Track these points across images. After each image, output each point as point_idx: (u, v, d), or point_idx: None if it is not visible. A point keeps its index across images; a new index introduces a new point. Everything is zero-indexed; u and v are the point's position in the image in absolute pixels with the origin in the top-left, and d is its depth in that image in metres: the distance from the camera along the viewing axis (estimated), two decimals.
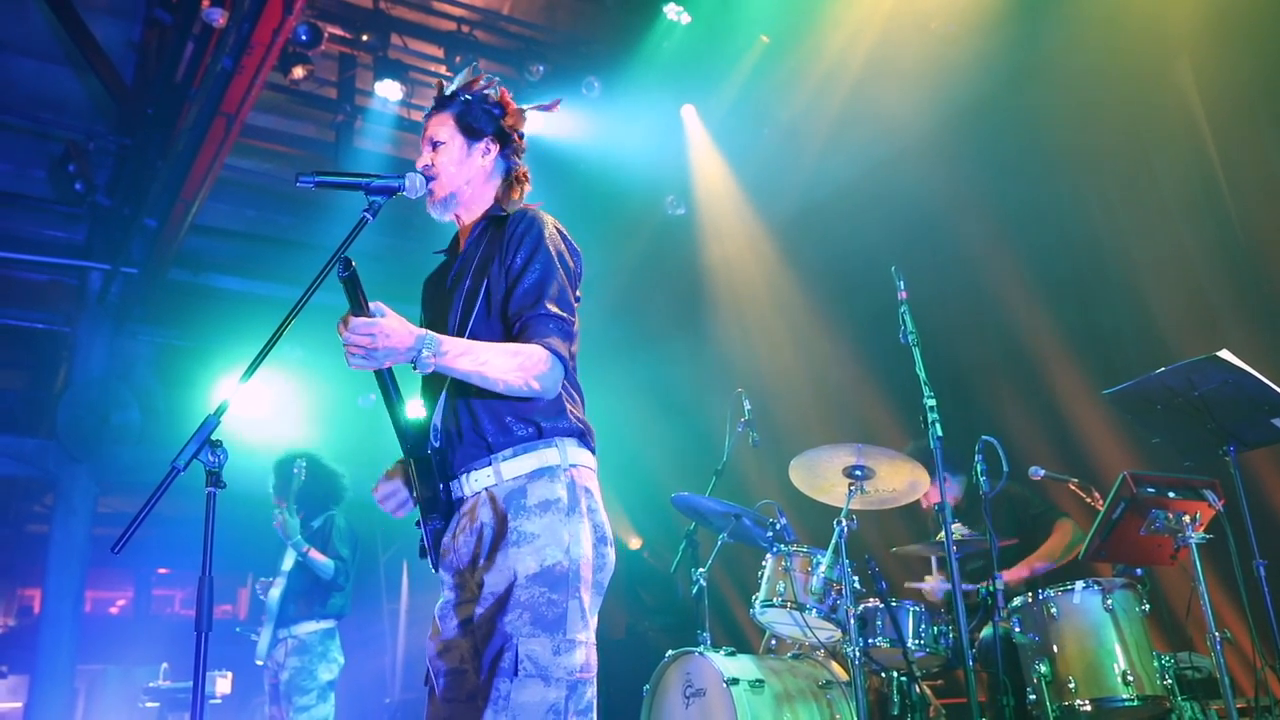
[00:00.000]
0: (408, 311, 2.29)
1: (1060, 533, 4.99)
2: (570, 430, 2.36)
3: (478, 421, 2.33)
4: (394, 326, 2.10)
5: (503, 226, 2.48)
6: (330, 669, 5.47)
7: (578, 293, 2.48)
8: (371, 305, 2.11)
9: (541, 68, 7.46)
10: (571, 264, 2.46)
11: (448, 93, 2.61)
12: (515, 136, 2.63)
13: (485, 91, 2.60)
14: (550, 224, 2.47)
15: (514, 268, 2.37)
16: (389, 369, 2.26)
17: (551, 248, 2.40)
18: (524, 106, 2.66)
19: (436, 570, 2.40)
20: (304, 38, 6.82)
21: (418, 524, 2.40)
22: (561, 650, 2.17)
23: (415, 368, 2.16)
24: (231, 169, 8.03)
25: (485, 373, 2.21)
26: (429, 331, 2.17)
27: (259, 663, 5.55)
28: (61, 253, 9.08)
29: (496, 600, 2.20)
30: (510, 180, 2.62)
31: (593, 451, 2.44)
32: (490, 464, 2.31)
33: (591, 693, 2.21)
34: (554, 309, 2.32)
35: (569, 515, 2.28)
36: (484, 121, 2.57)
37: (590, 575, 2.29)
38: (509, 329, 2.34)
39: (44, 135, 8.27)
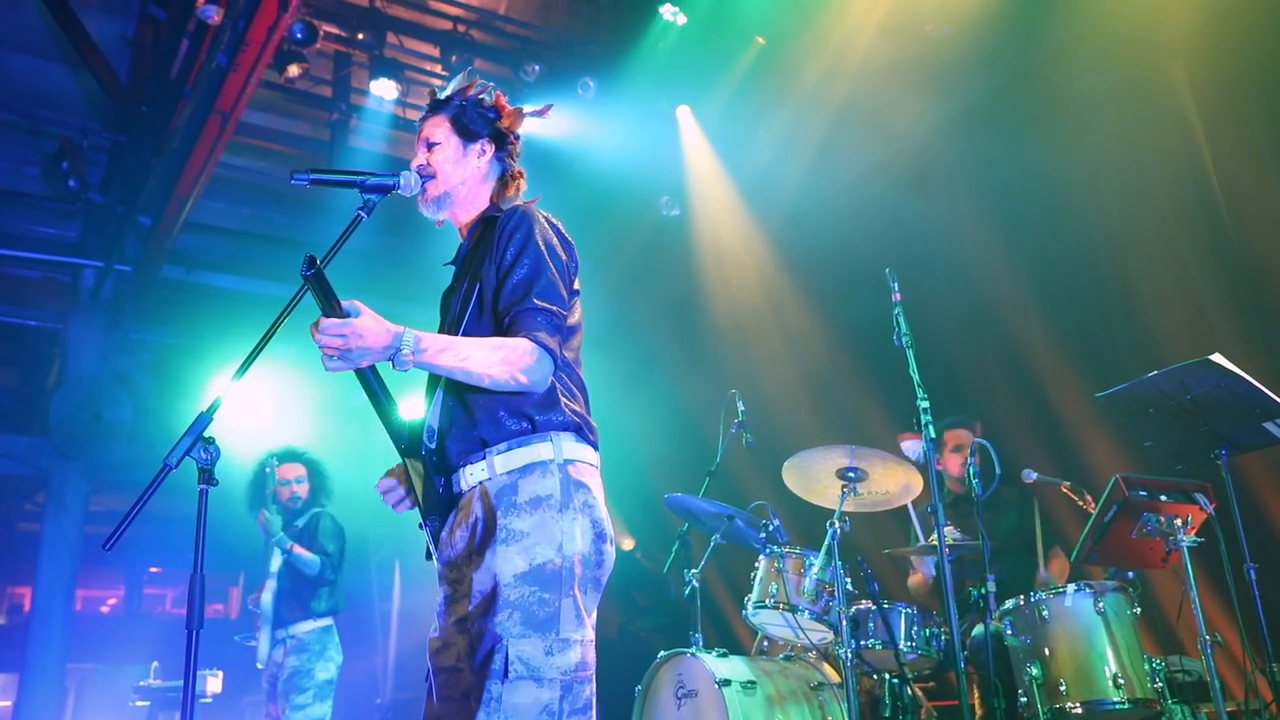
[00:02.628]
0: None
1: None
2: (565, 424, 2.33)
3: (471, 416, 2.31)
4: (368, 325, 2.05)
5: (495, 225, 2.47)
6: (328, 668, 5.47)
7: (576, 284, 2.47)
8: (345, 304, 2.05)
9: (537, 68, 7.45)
10: (564, 257, 2.44)
11: (442, 96, 2.61)
12: (511, 138, 2.63)
13: (480, 96, 2.60)
14: (540, 218, 2.45)
15: (504, 264, 2.35)
16: (372, 369, 2.22)
17: (541, 242, 2.37)
18: (519, 109, 2.66)
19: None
20: (299, 36, 6.81)
21: (421, 526, 2.37)
22: (554, 650, 2.14)
23: (394, 366, 2.11)
24: (226, 167, 7.99)
25: (468, 368, 2.18)
26: (407, 329, 2.12)
27: (260, 666, 5.54)
28: (55, 249, 9.04)
29: (485, 599, 2.18)
30: (505, 180, 2.61)
31: (594, 447, 2.40)
32: (484, 458, 2.29)
33: (590, 691, 2.18)
34: (541, 303, 2.29)
35: (562, 512, 2.24)
36: (479, 124, 2.57)
37: (586, 572, 2.25)
38: (500, 326, 2.32)
39: (38, 131, 8.23)
